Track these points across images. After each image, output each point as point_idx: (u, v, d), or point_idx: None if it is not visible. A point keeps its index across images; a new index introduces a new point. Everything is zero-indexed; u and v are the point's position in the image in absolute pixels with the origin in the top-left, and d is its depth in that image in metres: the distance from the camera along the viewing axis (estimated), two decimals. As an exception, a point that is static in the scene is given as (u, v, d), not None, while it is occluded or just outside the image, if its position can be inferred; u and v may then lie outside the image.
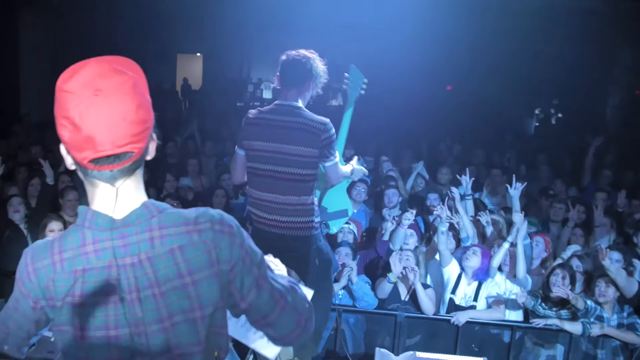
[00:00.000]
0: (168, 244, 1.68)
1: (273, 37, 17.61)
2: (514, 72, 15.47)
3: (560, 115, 18.50)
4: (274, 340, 1.92)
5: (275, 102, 3.87)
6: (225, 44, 17.86)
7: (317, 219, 3.89)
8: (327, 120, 3.78)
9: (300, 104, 3.82)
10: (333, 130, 3.78)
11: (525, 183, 6.31)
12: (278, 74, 3.88)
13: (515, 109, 17.26)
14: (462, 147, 11.53)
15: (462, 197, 6.38)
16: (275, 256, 2.24)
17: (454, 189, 6.22)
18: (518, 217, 5.47)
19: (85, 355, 1.73)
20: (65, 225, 5.47)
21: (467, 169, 6.88)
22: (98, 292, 1.69)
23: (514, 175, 6.43)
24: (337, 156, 3.96)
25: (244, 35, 18.00)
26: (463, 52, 15.25)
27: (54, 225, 5.39)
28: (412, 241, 5.87)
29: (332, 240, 5.60)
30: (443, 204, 5.80)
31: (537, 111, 18.95)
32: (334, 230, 4.66)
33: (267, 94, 20.49)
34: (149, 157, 1.77)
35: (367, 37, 15.63)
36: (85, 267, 1.68)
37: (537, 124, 18.48)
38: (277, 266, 2.15)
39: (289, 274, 2.16)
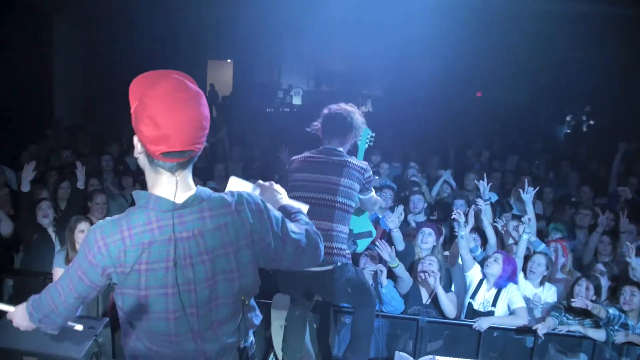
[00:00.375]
0: (216, 222, 2.25)
1: (303, 43, 17.72)
2: (545, 78, 15.37)
3: (592, 122, 18.30)
4: (297, 268, 2.56)
5: (319, 148, 4.16)
6: (255, 50, 17.98)
7: (347, 250, 4.04)
8: (366, 163, 4.24)
9: (342, 149, 4.16)
10: (371, 171, 4.20)
11: (538, 188, 6.43)
12: (319, 125, 4.20)
13: (545, 116, 17.13)
14: (490, 153, 11.48)
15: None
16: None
17: (479, 200, 6.24)
18: (529, 218, 5.64)
19: (146, 310, 2.25)
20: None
21: (485, 174, 6.90)
22: (160, 260, 2.21)
23: (526, 180, 6.48)
24: (373, 190, 4.41)
25: (273, 42, 18.12)
26: (493, 58, 15.19)
27: (83, 226, 5.49)
28: (431, 240, 5.92)
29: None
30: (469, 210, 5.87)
31: (568, 118, 18.76)
32: (360, 249, 4.88)
33: (296, 100, 20.57)
34: (199, 154, 2.28)
35: (396, 44, 15.64)
36: (151, 240, 2.20)
37: (568, 131, 18.29)
38: (281, 193, 2.74)
39: (294, 213, 2.63)
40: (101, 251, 2.20)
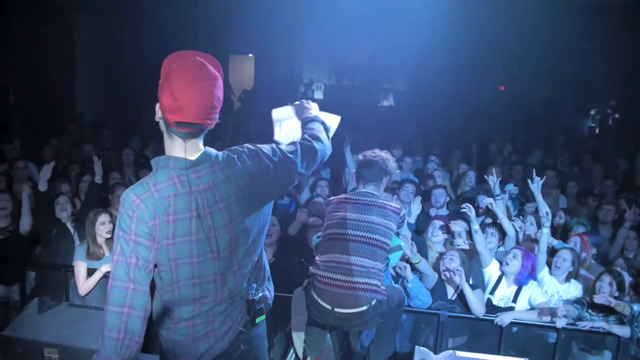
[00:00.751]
0: (225, 173, 2.60)
1: (324, 38, 17.66)
2: (568, 71, 15.19)
3: (617, 115, 18.05)
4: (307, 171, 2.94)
5: (356, 191, 4.30)
6: (277, 44, 17.94)
7: (383, 286, 4.03)
8: (399, 204, 4.36)
9: (376, 193, 4.27)
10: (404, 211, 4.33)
11: (545, 177, 6.33)
12: (355, 171, 4.45)
13: (568, 109, 16.94)
14: (513, 147, 11.38)
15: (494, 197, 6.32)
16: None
17: (480, 198, 6.15)
18: (547, 212, 5.60)
19: (174, 256, 2.56)
20: (112, 218, 5.64)
21: (494, 169, 6.80)
22: (184, 210, 2.54)
23: (533, 170, 6.39)
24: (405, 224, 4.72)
25: (295, 36, 18.09)
26: (515, 51, 15.04)
27: (104, 218, 5.56)
28: (441, 233, 5.98)
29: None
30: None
31: (592, 111, 18.52)
32: (392, 263, 4.89)
33: (318, 95, 20.48)
34: (209, 128, 2.61)
35: (417, 37, 15.57)
36: (175, 193, 2.54)
37: (592, 125, 18.07)
38: (311, 108, 3.31)
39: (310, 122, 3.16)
40: (140, 207, 2.52)
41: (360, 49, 19.63)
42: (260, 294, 2.80)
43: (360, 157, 4.35)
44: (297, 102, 3.38)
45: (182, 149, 2.57)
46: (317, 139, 3.01)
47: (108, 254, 5.50)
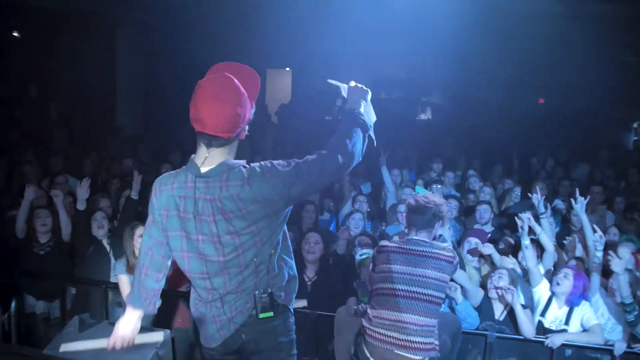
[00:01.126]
0: (230, 192, 2.78)
1: (361, 51, 17.60)
2: (608, 83, 14.91)
3: (661, 128, 17.67)
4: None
5: (407, 238, 4.11)
6: (314, 58, 17.94)
7: (436, 341, 3.93)
8: (453, 250, 4.13)
9: (429, 239, 4.10)
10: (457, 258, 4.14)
11: (589, 197, 6.07)
12: (406, 214, 4.26)
13: (609, 122, 16.61)
14: (555, 161, 11.15)
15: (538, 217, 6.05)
16: None
17: (523, 215, 5.75)
18: (600, 235, 5.28)
19: (173, 247, 3.00)
20: None
21: (538, 186, 6.57)
22: (190, 211, 2.86)
23: (577, 189, 6.16)
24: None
25: (332, 50, 18.06)
26: (555, 64, 14.80)
27: (141, 231, 5.49)
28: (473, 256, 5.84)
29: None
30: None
31: (635, 125, 18.14)
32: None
33: (354, 108, 20.42)
34: (236, 140, 2.89)
35: (455, 50, 15.42)
36: (185, 195, 2.87)
37: (635, 138, 17.69)
38: (364, 96, 3.25)
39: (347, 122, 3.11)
40: (157, 195, 2.97)
41: (397, 61, 19.53)
42: (267, 293, 2.97)
43: (412, 201, 4.16)
44: (352, 83, 3.31)
45: (203, 156, 2.84)
46: (351, 137, 2.99)
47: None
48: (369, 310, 4.02)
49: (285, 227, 3.05)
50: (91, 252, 6.04)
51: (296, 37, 15.64)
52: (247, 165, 2.86)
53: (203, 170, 2.83)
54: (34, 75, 13.98)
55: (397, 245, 4.06)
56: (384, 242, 4.16)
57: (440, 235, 5.35)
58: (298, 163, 2.86)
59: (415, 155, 11.13)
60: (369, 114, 3.18)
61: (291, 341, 3.17)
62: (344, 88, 3.30)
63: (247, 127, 2.92)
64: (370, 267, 4.40)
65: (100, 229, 6.10)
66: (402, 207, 6.92)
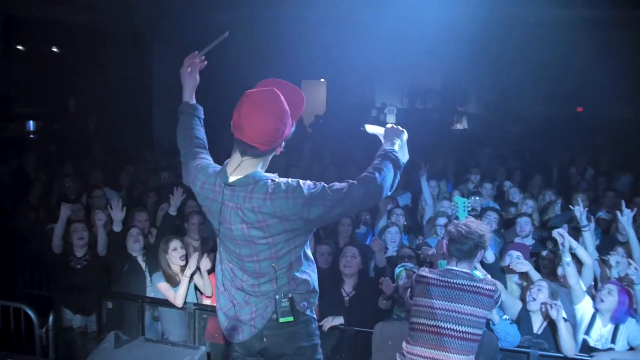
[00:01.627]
0: (253, 203, 2.88)
1: (396, 61, 17.54)
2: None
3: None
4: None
5: (447, 268, 3.94)
6: (349, 69, 17.94)
7: None
8: (494, 281, 4.01)
9: (470, 270, 3.95)
10: (500, 290, 4.01)
11: (636, 209, 5.85)
12: (446, 242, 4.01)
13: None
14: (595, 171, 10.88)
15: (579, 230, 5.85)
16: None
17: (557, 231, 5.52)
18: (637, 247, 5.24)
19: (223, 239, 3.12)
20: (184, 244, 5.69)
21: (579, 198, 6.38)
22: (216, 212, 3.03)
23: (622, 202, 5.95)
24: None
25: (367, 60, 18.03)
26: (593, 73, 14.54)
27: (175, 244, 5.60)
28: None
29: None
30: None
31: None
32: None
33: (390, 118, 20.28)
34: (271, 154, 3.01)
35: (492, 60, 15.28)
36: (212, 197, 3.04)
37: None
38: (399, 136, 3.21)
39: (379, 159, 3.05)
40: (193, 180, 3.18)
41: (433, 71, 19.44)
42: (287, 298, 3.03)
43: (453, 230, 3.96)
44: (389, 125, 3.31)
45: (235, 164, 2.96)
46: (381, 170, 2.95)
47: (185, 281, 5.50)
48: (403, 344, 3.93)
49: (308, 243, 3.10)
50: (127, 270, 6.06)
51: (331, 48, 15.65)
52: (275, 180, 2.92)
53: (231, 179, 2.94)
54: (72, 89, 14.21)
55: (436, 277, 3.91)
56: (423, 272, 4.00)
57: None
58: (324, 187, 2.88)
59: (453, 166, 10.96)
60: (403, 152, 3.15)
61: (314, 346, 3.18)
62: (380, 135, 3.30)
63: (283, 143, 2.99)
64: (408, 293, 4.30)
65: (136, 243, 6.12)
66: (440, 220, 6.81)
